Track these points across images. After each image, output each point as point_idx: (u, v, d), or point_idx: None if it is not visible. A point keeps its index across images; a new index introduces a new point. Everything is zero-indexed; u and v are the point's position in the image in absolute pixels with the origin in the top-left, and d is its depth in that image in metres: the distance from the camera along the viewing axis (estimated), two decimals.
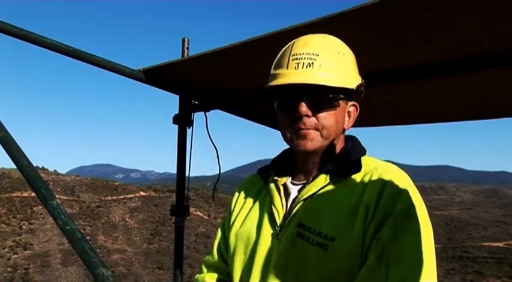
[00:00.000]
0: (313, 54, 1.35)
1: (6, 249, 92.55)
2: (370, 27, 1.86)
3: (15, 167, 1.49)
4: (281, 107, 1.44)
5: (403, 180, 1.33)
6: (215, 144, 3.10)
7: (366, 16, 1.76)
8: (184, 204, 3.06)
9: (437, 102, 2.87)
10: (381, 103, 2.81)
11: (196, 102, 3.11)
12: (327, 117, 1.38)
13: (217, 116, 3.21)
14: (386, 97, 2.73)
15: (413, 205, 1.28)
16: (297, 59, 1.36)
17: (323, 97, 1.36)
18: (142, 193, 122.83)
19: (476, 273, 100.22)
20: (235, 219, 1.60)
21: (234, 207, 1.66)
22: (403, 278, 1.20)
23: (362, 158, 1.44)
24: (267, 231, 1.43)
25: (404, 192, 1.30)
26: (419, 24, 1.81)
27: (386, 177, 1.33)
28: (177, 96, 3.06)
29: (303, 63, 1.34)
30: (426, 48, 2.04)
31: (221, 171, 3.22)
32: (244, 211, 1.59)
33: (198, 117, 3.10)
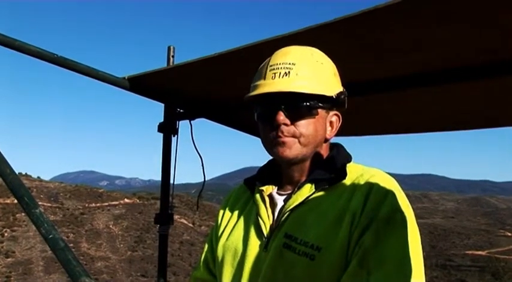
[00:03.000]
0: (289, 63, 1.36)
1: None
2: (353, 38, 1.89)
3: None
4: (260, 117, 1.44)
5: (389, 185, 1.33)
6: (200, 153, 3.10)
7: (348, 27, 1.78)
8: (168, 213, 3.06)
9: (421, 113, 2.91)
10: (364, 113, 2.84)
11: (181, 111, 3.12)
12: (305, 126, 1.37)
13: (203, 121, 3.24)
14: (371, 107, 2.76)
15: (398, 209, 1.27)
16: (274, 69, 1.37)
17: (300, 105, 1.36)
18: (126, 200, 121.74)
19: None
20: (222, 231, 1.58)
21: (222, 219, 1.64)
22: None
23: (348, 164, 1.43)
24: (255, 242, 1.42)
25: (389, 196, 1.29)
26: (401, 35, 1.84)
27: (372, 183, 1.33)
28: (162, 104, 3.07)
29: (280, 72, 1.35)
30: (409, 59, 2.08)
31: (206, 179, 3.23)
32: (231, 223, 1.58)
33: (183, 124, 3.11)
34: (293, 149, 1.38)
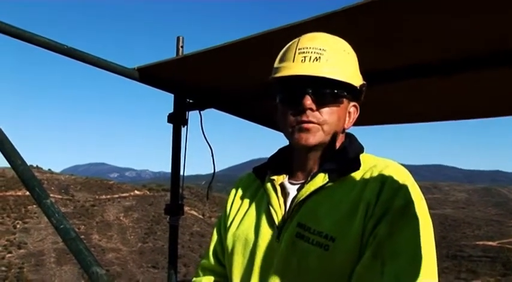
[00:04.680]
0: (320, 49, 1.34)
1: (0, 248, 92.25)
2: (362, 27, 1.88)
3: (9, 165, 1.49)
4: (284, 100, 1.41)
5: (403, 176, 1.33)
6: (210, 144, 3.10)
7: (357, 16, 1.77)
8: (178, 204, 3.06)
9: (431, 102, 2.89)
10: (374, 102, 2.81)
11: (191, 101, 3.11)
12: (330, 113, 1.36)
13: (213, 113, 3.20)
14: (380, 96, 2.73)
15: (412, 201, 1.27)
16: (304, 52, 1.35)
17: (328, 92, 1.34)
18: (136, 192, 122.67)
19: (470, 272, 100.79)
20: (232, 220, 1.56)
21: (230, 208, 1.61)
22: (398, 274, 1.19)
23: (360, 155, 1.43)
24: (266, 232, 1.41)
25: (404, 188, 1.29)
26: (410, 25, 1.83)
27: (386, 174, 1.32)
28: (172, 95, 3.06)
29: (310, 57, 1.33)
30: (419, 49, 2.06)
31: (216, 170, 3.21)
32: (241, 212, 1.55)
33: (193, 115, 3.08)
34: (316, 136, 1.36)
